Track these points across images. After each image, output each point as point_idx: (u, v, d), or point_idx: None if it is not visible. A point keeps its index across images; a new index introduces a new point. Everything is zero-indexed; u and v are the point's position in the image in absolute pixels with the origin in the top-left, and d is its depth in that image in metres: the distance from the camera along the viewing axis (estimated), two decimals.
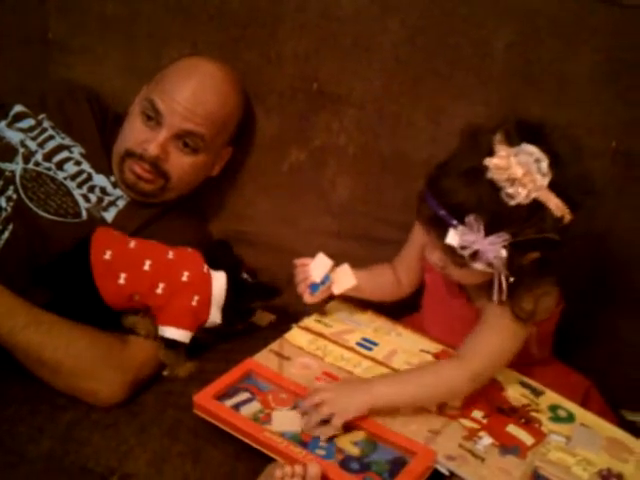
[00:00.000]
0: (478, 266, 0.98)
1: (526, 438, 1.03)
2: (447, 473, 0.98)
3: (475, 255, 0.97)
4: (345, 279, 1.21)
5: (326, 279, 1.20)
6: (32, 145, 1.30)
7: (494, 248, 0.96)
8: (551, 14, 1.26)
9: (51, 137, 1.32)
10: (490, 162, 0.95)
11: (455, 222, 0.97)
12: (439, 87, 1.31)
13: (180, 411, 1.10)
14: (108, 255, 1.17)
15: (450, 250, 0.99)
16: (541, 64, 1.27)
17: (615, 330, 1.30)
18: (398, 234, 1.32)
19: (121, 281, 1.16)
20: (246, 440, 1.00)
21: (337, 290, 1.21)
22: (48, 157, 1.29)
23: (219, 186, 1.42)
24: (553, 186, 0.96)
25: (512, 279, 0.99)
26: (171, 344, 1.17)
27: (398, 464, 0.97)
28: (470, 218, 0.95)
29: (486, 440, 1.01)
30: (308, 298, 1.21)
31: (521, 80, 1.28)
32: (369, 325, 1.24)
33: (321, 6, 1.35)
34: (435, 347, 1.18)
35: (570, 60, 1.26)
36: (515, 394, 1.11)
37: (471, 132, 1.03)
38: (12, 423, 1.06)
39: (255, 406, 1.05)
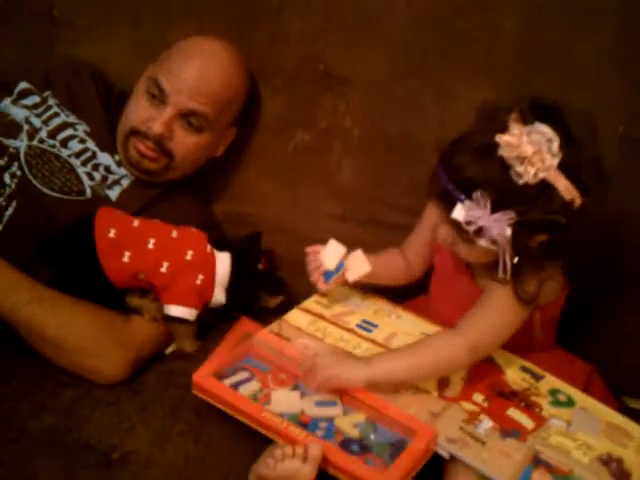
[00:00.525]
0: (482, 243, 0.98)
1: (526, 422, 1.03)
2: (447, 457, 0.98)
3: (480, 231, 0.97)
4: (359, 265, 1.19)
5: (340, 266, 1.18)
6: (37, 122, 1.30)
7: (499, 225, 0.95)
8: None
9: (56, 114, 1.32)
10: (501, 139, 0.95)
11: (462, 197, 0.97)
12: (447, 69, 1.30)
13: (182, 390, 1.10)
14: (112, 233, 1.17)
15: (457, 225, 0.99)
16: (549, 47, 1.26)
17: (619, 317, 1.29)
18: (403, 218, 1.32)
19: (125, 259, 1.16)
20: (245, 421, 1.00)
21: (351, 277, 1.19)
22: (52, 134, 1.29)
23: (223, 167, 1.42)
24: (563, 168, 0.95)
25: (517, 259, 0.99)
26: (176, 322, 1.17)
27: (399, 446, 0.97)
28: (477, 194, 0.95)
29: (486, 423, 1.01)
30: (322, 286, 1.19)
31: (529, 63, 1.27)
32: (369, 307, 1.23)
33: None
34: (435, 329, 1.17)
35: (578, 44, 1.24)
36: (515, 378, 1.11)
37: (487, 109, 1.03)
38: (14, 399, 1.06)
39: (254, 385, 1.05)
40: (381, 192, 1.37)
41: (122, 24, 1.46)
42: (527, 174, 0.94)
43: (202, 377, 1.04)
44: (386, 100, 1.34)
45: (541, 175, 0.94)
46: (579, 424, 1.04)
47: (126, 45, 1.45)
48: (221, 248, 1.22)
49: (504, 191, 0.95)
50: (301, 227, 1.39)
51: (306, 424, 0.99)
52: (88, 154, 1.30)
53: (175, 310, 1.17)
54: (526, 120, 0.97)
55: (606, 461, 0.99)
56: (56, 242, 1.19)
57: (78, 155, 1.29)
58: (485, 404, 1.05)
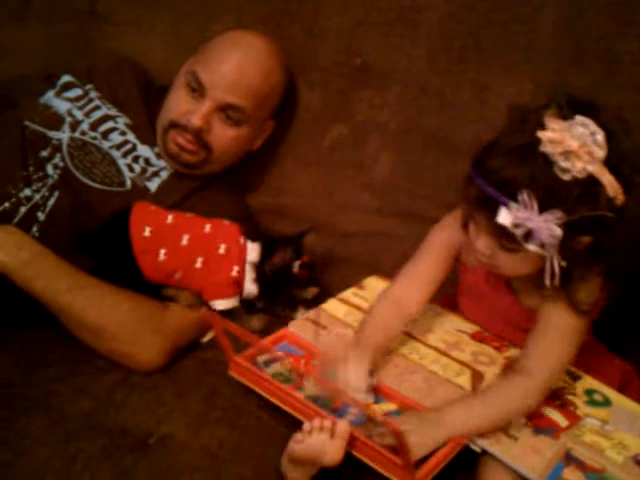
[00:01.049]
0: (531, 247, 0.93)
1: (561, 420, 1.03)
2: (479, 450, 0.98)
3: (528, 235, 0.92)
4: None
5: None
6: (79, 114, 1.32)
7: (548, 226, 0.90)
8: None
9: (97, 107, 1.34)
10: (544, 135, 0.91)
11: (506, 199, 0.92)
12: (484, 64, 1.30)
13: (217, 378, 1.11)
14: (147, 232, 1.19)
15: (500, 232, 0.94)
16: (589, 42, 1.25)
17: None
18: (440, 212, 1.30)
19: (161, 257, 1.18)
20: (277, 402, 1.01)
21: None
22: (94, 127, 1.32)
23: (260, 160, 1.43)
24: (607, 162, 0.92)
25: (564, 264, 0.94)
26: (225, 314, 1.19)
27: None
28: (523, 194, 0.90)
29: (520, 420, 1.01)
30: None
31: (568, 58, 1.26)
32: None
33: None
34: (471, 327, 1.18)
35: (619, 38, 1.24)
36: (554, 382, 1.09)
37: (516, 112, 1.00)
38: (53, 383, 1.08)
39: (285, 364, 1.06)
40: (417, 186, 1.37)
41: (162, 19, 1.49)
42: (574, 168, 0.90)
43: (240, 358, 1.04)
44: (423, 94, 1.35)
45: (589, 169, 0.91)
46: (615, 424, 1.03)
47: (166, 40, 1.48)
48: (254, 239, 1.24)
49: (551, 189, 0.91)
50: (337, 220, 1.40)
51: (337, 410, 1.00)
52: (128, 146, 1.32)
53: (219, 304, 1.20)
54: (564, 115, 0.94)
55: None
56: (94, 237, 1.22)
57: (119, 147, 1.32)
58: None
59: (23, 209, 1.21)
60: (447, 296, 1.27)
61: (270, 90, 1.32)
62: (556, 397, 1.07)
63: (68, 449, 0.99)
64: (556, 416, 1.03)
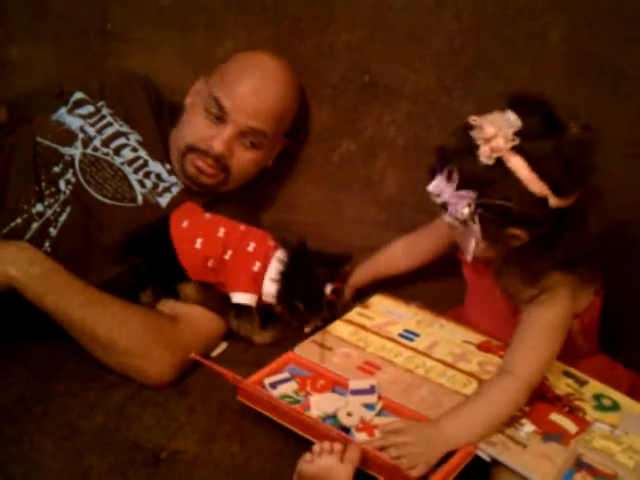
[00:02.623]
0: (448, 219, 1.01)
1: (569, 426, 1.03)
2: (488, 459, 0.97)
3: (445, 206, 1.01)
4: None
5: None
6: (91, 131, 1.33)
7: (459, 202, 0.98)
8: (607, 7, 1.25)
9: (109, 124, 1.35)
10: (473, 119, 0.99)
11: (437, 168, 1.01)
12: (492, 80, 1.31)
13: (227, 393, 1.10)
14: (185, 224, 1.23)
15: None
16: (596, 57, 1.26)
17: None
18: None
19: (197, 245, 1.21)
20: (288, 425, 1.01)
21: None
22: (106, 143, 1.33)
23: (270, 176, 1.44)
24: (527, 158, 0.96)
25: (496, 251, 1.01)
26: (241, 310, 1.22)
27: None
28: (448, 168, 0.99)
29: (528, 427, 1.01)
30: None
31: (576, 74, 1.27)
32: (412, 318, 1.24)
33: None
34: (477, 338, 1.18)
35: (625, 53, 1.25)
36: (559, 383, 1.10)
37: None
38: (64, 398, 1.09)
39: (292, 385, 1.07)
40: (425, 201, 1.34)
41: (172, 36, 1.50)
42: (484, 153, 0.96)
43: (247, 384, 1.06)
44: (431, 110, 1.36)
45: (494, 155, 0.96)
46: (625, 428, 1.03)
47: (175, 57, 1.50)
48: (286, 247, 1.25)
49: (470, 170, 0.98)
50: (345, 235, 1.41)
51: (347, 428, 1.00)
52: (140, 162, 1.33)
53: (237, 297, 1.21)
54: (503, 107, 0.99)
55: None
56: (140, 239, 1.25)
57: (130, 163, 1.33)
58: (527, 408, 1.04)
59: (35, 225, 1.22)
60: (454, 310, 1.28)
61: (287, 111, 1.34)
62: (564, 404, 1.07)
63: (80, 464, 0.99)
64: (565, 422, 1.03)
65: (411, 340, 1.18)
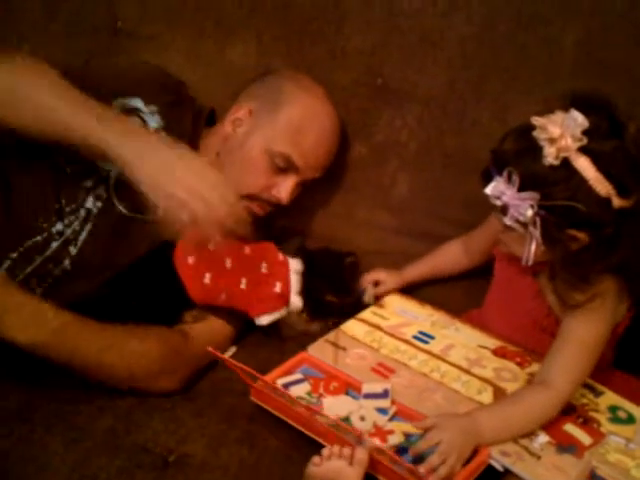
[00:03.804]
0: (507, 221, 1.00)
1: (584, 438, 1.02)
2: (501, 469, 0.97)
3: (505, 209, 0.99)
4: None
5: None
6: None
7: (521, 204, 0.97)
8: (621, 11, 1.24)
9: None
10: (535, 120, 0.97)
11: (494, 171, 1.00)
12: (505, 84, 1.30)
13: (236, 397, 1.11)
14: (191, 260, 1.19)
15: (495, 207, 1.01)
16: (610, 62, 1.25)
17: None
18: (458, 231, 1.33)
19: (206, 280, 1.19)
20: (299, 427, 1.01)
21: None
22: None
23: None
24: (594, 158, 0.95)
25: (554, 255, 1.00)
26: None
27: None
28: (507, 170, 0.97)
29: (542, 438, 1.00)
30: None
31: (590, 79, 1.26)
32: (427, 319, 1.23)
33: (387, 1, 1.35)
34: (493, 343, 1.17)
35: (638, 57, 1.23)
36: (575, 393, 1.09)
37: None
38: (74, 401, 1.08)
39: (305, 387, 1.06)
40: (436, 206, 1.38)
41: (182, 35, 1.49)
42: (550, 154, 0.95)
43: (260, 385, 1.05)
44: (443, 114, 1.35)
45: (562, 155, 0.95)
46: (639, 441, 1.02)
47: (185, 55, 1.48)
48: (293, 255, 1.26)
49: (532, 171, 0.97)
50: (355, 239, 1.41)
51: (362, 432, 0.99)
52: None
53: (263, 319, 1.21)
54: (567, 108, 0.98)
55: None
56: (136, 271, 1.21)
57: None
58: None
59: (55, 244, 1.18)
60: (469, 313, 1.28)
61: None
62: (578, 414, 1.06)
63: (89, 466, 0.99)
64: (579, 434, 1.02)
65: (426, 342, 1.17)
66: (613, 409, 1.08)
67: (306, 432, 1.00)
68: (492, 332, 1.20)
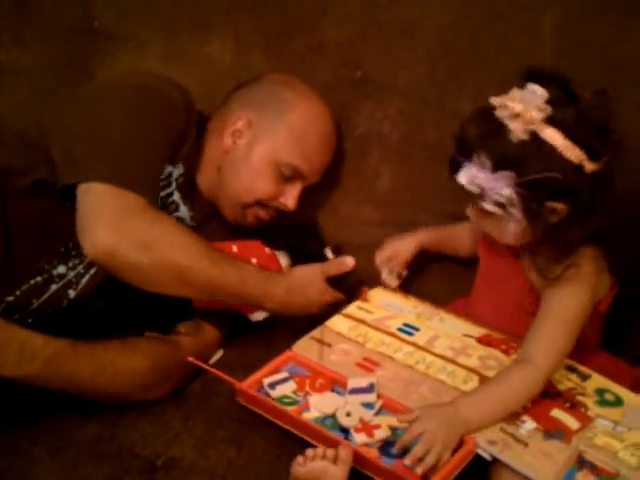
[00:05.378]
0: (488, 207, 0.99)
1: (571, 422, 1.01)
2: (489, 458, 0.96)
3: (483, 194, 0.99)
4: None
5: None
6: None
7: (497, 185, 0.97)
8: None
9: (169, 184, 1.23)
10: (494, 100, 0.97)
11: (463, 159, 1.00)
12: (485, 73, 1.29)
13: (224, 399, 1.10)
14: None
15: (468, 194, 1.01)
16: (590, 47, 1.24)
17: None
18: (443, 222, 1.32)
19: None
20: (285, 426, 1.01)
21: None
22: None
23: None
24: (559, 126, 0.96)
25: (537, 231, 1.00)
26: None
27: None
28: (477, 154, 0.97)
29: (529, 424, 1.00)
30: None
31: (570, 64, 1.24)
32: (411, 311, 1.23)
33: None
34: (478, 331, 1.17)
35: (621, 43, 1.23)
36: (561, 377, 1.08)
37: None
38: (59, 409, 1.08)
39: (290, 386, 1.06)
40: (420, 197, 1.37)
41: (160, 33, 1.48)
42: (517, 130, 0.95)
43: (245, 386, 1.05)
44: (423, 105, 1.35)
45: (529, 128, 0.95)
46: (628, 424, 1.02)
47: (163, 54, 1.47)
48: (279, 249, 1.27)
49: (502, 151, 0.97)
50: (340, 233, 1.40)
51: (346, 429, 0.99)
52: (173, 207, 1.25)
53: (257, 316, 1.22)
54: (522, 83, 0.98)
55: None
56: None
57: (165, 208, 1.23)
58: (528, 404, 1.03)
59: (54, 287, 1.16)
60: (455, 303, 1.27)
61: None
62: (565, 399, 1.05)
63: (75, 474, 0.99)
64: (566, 418, 1.02)
65: (411, 334, 1.17)
66: (600, 392, 1.07)
67: (293, 431, 1.00)
68: (479, 321, 1.19)
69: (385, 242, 1.29)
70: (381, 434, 0.98)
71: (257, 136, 1.26)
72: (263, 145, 1.26)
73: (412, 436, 0.95)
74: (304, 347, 1.13)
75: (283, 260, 1.27)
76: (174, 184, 1.22)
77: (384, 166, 1.39)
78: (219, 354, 1.24)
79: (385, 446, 0.97)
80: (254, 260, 1.21)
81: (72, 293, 1.18)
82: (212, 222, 1.31)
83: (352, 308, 1.23)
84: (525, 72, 0.99)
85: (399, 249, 1.29)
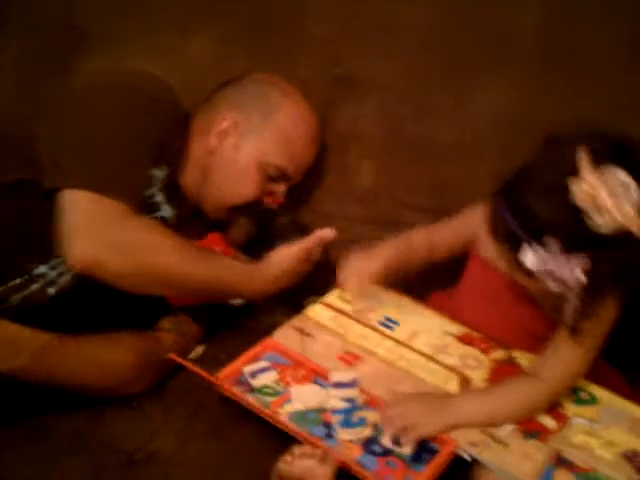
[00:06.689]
0: (552, 286, 0.92)
1: (549, 422, 1.02)
2: (469, 459, 0.96)
3: (549, 274, 0.92)
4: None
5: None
6: None
7: (571, 268, 0.90)
8: None
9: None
10: (577, 187, 0.89)
11: (532, 240, 0.91)
12: (465, 69, 1.31)
13: (203, 393, 1.09)
14: None
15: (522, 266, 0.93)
16: (570, 44, 1.26)
17: None
18: (425, 218, 1.30)
19: None
20: (268, 419, 1.00)
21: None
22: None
23: None
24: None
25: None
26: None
27: (420, 448, 0.97)
28: (547, 238, 0.90)
29: (508, 425, 1.00)
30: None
31: (549, 61, 1.27)
32: (391, 304, 1.22)
33: None
34: (458, 329, 1.17)
35: (598, 40, 1.24)
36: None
37: (552, 141, 0.97)
38: (41, 403, 1.06)
39: (272, 376, 1.06)
40: (401, 194, 1.37)
41: (141, 31, 1.48)
42: (606, 225, 0.88)
43: (225, 378, 1.05)
44: (404, 101, 1.35)
45: (620, 222, 0.88)
46: (603, 421, 1.03)
47: (144, 51, 1.47)
48: None
49: (577, 237, 0.90)
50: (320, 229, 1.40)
51: (329, 424, 0.99)
52: (155, 206, 1.25)
53: (237, 300, 1.23)
54: (598, 161, 0.89)
55: (631, 457, 0.97)
56: None
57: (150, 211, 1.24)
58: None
59: (35, 286, 1.16)
60: (437, 297, 1.26)
61: None
62: None
63: (54, 468, 0.98)
64: (544, 418, 1.02)
65: (391, 329, 1.16)
66: (576, 390, 1.08)
67: (277, 424, 1.00)
68: (458, 319, 1.19)
69: (349, 260, 1.18)
70: (364, 432, 0.98)
71: (243, 137, 1.26)
72: (250, 146, 1.26)
73: (394, 413, 0.97)
74: (285, 335, 1.13)
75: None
76: (158, 185, 1.22)
77: (365, 162, 1.39)
78: (200, 349, 1.24)
79: (368, 443, 0.97)
80: (218, 249, 1.23)
81: (52, 291, 1.18)
82: (194, 220, 1.31)
83: (332, 297, 1.22)
84: (600, 143, 0.91)
85: (363, 271, 1.18)
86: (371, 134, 1.37)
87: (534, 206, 0.92)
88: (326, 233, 1.20)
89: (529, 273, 0.94)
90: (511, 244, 0.94)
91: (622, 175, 0.89)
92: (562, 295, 0.94)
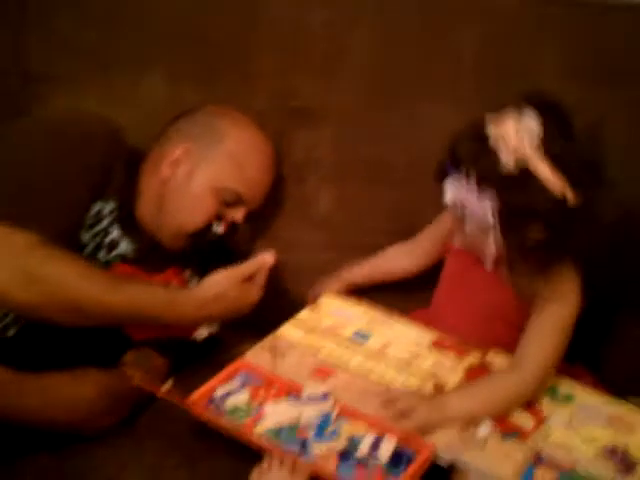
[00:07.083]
0: (470, 228, 1.02)
1: (526, 421, 1.03)
2: (445, 466, 0.96)
3: (464, 211, 1.02)
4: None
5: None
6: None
7: (482, 205, 0.99)
8: (512, 14, 1.30)
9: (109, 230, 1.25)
10: (491, 128, 0.99)
11: (452, 169, 1.01)
12: (413, 92, 1.34)
13: (176, 424, 1.07)
14: None
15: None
16: (509, 64, 1.30)
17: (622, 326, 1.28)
18: (388, 241, 1.33)
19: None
20: (240, 440, 0.99)
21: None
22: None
23: None
24: (551, 160, 0.97)
25: (501, 243, 1.01)
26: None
27: (397, 455, 0.96)
28: (463, 168, 0.99)
29: (486, 426, 1.00)
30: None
31: (492, 81, 1.31)
32: (362, 318, 1.22)
33: (292, 20, 1.38)
34: (430, 336, 1.18)
35: (536, 56, 1.29)
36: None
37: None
38: (7, 439, 1.03)
39: (244, 397, 1.04)
40: (362, 218, 1.39)
41: (94, 73, 1.47)
42: (509, 162, 0.97)
43: (197, 401, 1.04)
44: (357, 127, 1.38)
45: (521, 163, 0.97)
46: (580, 418, 1.04)
47: (98, 94, 1.46)
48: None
49: (490, 171, 0.98)
50: (282, 257, 1.38)
51: (304, 439, 0.97)
52: (111, 244, 1.25)
53: (201, 333, 1.20)
54: (520, 108, 1.00)
55: (611, 452, 0.98)
56: None
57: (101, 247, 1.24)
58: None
59: None
60: (416, 314, 1.26)
61: None
62: None
63: None
64: (521, 417, 1.03)
65: (363, 342, 1.17)
66: (552, 389, 1.09)
67: (247, 442, 0.98)
68: (431, 326, 1.20)
69: (311, 290, 1.30)
70: (338, 445, 0.97)
71: (196, 164, 1.27)
72: (202, 172, 1.27)
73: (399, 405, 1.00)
74: (256, 355, 1.12)
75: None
76: (108, 219, 1.22)
77: (324, 189, 1.40)
78: (169, 383, 1.21)
79: (344, 455, 0.96)
80: (173, 283, 1.22)
81: (11, 332, 1.16)
82: (154, 254, 1.30)
83: (303, 316, 1.23)
84: (525, 94, 1.01)
85: (332, 286, 1.30)
86: (328, 161, 1.39)
87: (460, 139, 1.02)
88: (267, 257, 1.19)
89: (451, 208, 1.05)
90: (439, 177, 1.04)
91: (532, 122, 0.98)
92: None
